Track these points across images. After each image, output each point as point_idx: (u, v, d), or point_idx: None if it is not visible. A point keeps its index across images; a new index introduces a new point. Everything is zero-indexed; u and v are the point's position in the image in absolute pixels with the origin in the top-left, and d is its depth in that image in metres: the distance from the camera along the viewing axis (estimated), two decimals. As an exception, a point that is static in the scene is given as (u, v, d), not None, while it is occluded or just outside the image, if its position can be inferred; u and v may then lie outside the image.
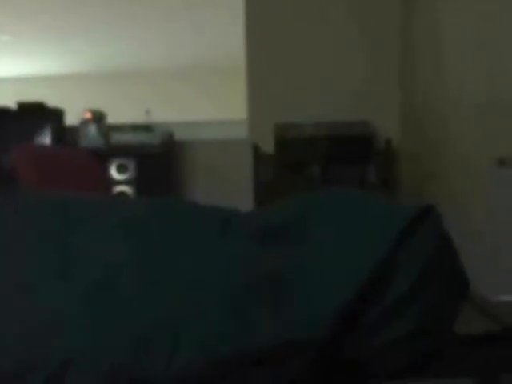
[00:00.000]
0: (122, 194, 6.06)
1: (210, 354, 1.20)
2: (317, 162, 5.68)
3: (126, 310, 1.28)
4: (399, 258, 1.27)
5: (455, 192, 5.77)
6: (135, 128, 6.52)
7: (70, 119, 6.62)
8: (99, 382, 1.21)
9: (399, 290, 1.26)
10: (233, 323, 1.23)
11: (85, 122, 6.49)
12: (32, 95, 6.94)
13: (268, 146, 5.78)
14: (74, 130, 6.49)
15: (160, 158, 6.33)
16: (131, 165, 6.26)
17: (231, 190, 5.89)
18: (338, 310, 1.20)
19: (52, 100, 6.74)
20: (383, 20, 6.01)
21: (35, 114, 6.44)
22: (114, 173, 6.23)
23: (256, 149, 5.82)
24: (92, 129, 6.45)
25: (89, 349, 1.24)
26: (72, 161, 3.05)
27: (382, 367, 1.25)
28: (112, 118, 6.66)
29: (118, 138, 6.42)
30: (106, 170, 6.07)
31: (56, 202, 1.54)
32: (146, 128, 6.56)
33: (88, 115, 6.49)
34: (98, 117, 6.51)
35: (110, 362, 1.23)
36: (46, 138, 6.32)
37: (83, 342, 1.25)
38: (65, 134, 6.48)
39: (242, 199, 5.13)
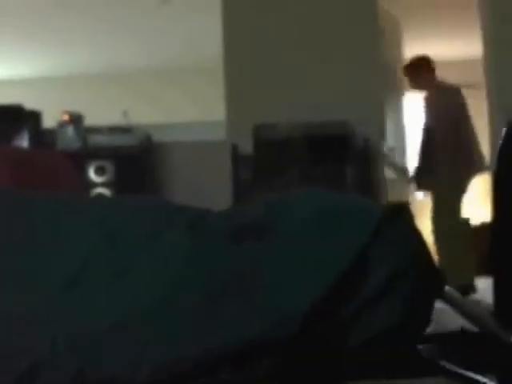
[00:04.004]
0: (99, 196, 6.04)
1: (177, 355, 1.19)
2: (296, 163, 5.68)
3: (92, 309, 1.27)
4: (372, 254, 1.26)
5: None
6: (113, 130, 6.50)
7: (48, 122, 6.58)
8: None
9: (373, 288, 1.26)
10: (199, 322, 1.22)
11: (62, 125, 6.46)
12: (8, 98, 6.90)
13: (247, 147, 5.77)
14: (51, 133, 6.46)
15: (138, 159, 6.31)
16: (109, 167, 6.24)
17: (210, 191, 5.88)
18: (308, 307, 1.20)
19: (29, 103, 6.71)
20: (363, 20, 6.02)
21: (12, 117, 6.41)
22: (92, 175, 6.21)
23: (235, 150, 5.81)
24: (69, 131, 6.42)
25: (57, 350, 1.23)
26: (47, 163, 3.03)
27: (356, 366, 1.24)
28: (89, 120, 6.63)
29: (95, 139, 6.40)
30: (83, 173, 6.04)
31: (26, 201, 1.53)
32: (124, 130, 6.55)
33: (65, 117, 6.47)
34: (76, 119, 6.49)
35: (77, 364, 1.21)
36: (23, 141, 6.28)
37: (51, 342, 1.24)
38: (42, 137, 6.45)
39: (221, 200, 5.12)
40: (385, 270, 1.24)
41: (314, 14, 6.06)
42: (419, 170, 5.87)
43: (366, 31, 6.01)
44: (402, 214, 1.30)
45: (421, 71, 5.97)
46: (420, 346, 1.30)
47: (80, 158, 5.92)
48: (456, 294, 1.37)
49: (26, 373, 1.22)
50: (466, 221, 6.27)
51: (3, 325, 1.29)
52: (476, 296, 5.28)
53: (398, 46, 6.72)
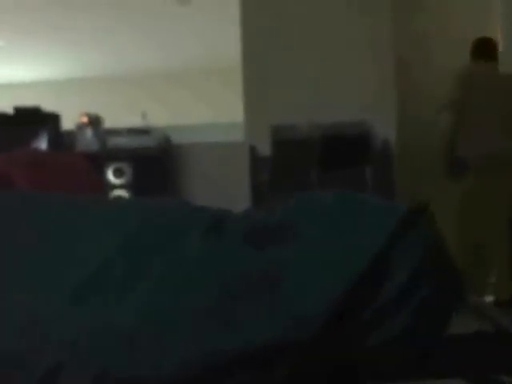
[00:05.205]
0: (118, 198, 6.05)
1: (196, 354, 1.20)
2: (314, 163, 5.67)
3: (113, 309, 1.27)
4: (392, 257, 1.26)
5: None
6: (132, 132, 6.51)
7: (67, 124, 6.61)
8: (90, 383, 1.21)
9: (393, 290, 1.26)
10: (218, 323, 1.22)
11: (81, 127, 6.48)
12: (27, 100, 6.93)
13: (265, 148, 5.77)
14: (70, 135, 6.48)
15: (157, 161, 6.31)
16: (128, 169, 6.24)
17: (228, 192, 5.88)
18: (327, 309, 1.20)
19: (48, 105, 6.74)
20: (379, 20, 6.00)
21: (32, 119, 6.43)
22: (110, 177, 6.22)
23: (253, 151, 5.81)
24: (88, 133, 6.44)
25: (79, 350, 1.24)
26: (67, 165, 3.05)
27: (375, 368, 1.24)
28: (108, 122, 6.65)
29: (114, 141, 6.41)
30: (102, 174, 6.04)
31: (46, 204, 1.54)
32: (143, 131, 6.55)
33: (84, 119, 6.49)
34: (95, 121, 6.50)
35: (100, 364, 1.22)
36: (42, 143, 6.31)
37: (73, 343, 1.25)
38: (61, 139, 6.47)
39: (240, 202, 5.11)
40: (405, 272, 1.24)
41: (332, 15, 6.06)
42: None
43: (386, 31, 5.99)
44: (423, 215, 1.30)
45: (475, 55, 5.62)
46: (439, 347, 1.30)
47: (99, 159, 5.93)
48: (473, 296, 1.37)
49: (48, 373, 1.23)
50: None
51: (24, 327, 1.30)
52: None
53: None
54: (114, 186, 6.18)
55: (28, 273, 1.39)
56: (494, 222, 5.37)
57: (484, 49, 5.61)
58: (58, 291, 1.33)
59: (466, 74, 5.52)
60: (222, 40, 8.67)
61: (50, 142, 6.32)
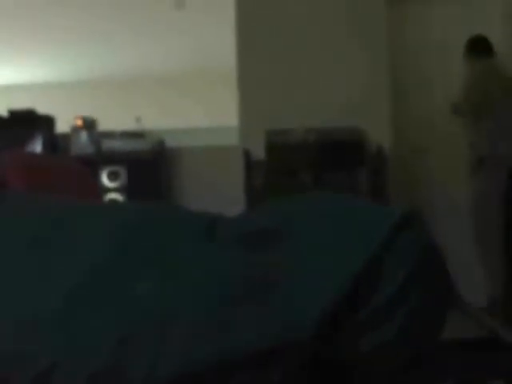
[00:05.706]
0: (113, 201, 6.05)
1: (193, 356, 1.21)
2: (308, 168, 5.68)
3: (110, 310, 1.28)
4: (386, 259, 1.27)
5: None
6: (126, 135, 6.51)
7: (61, 127, 6.60)
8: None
9: (386, 293, 1.27)
10: (216, 325, 1.23)
11: (76, 130, 6.48)
12: (23, 103, 6.92)
13: (259, 152, 5.78)
14: (65, 138, 6.48)
15: (151, 164, 6.31)
16: (122, 172, 6.24)
17: (223, 196, 5.89)
18: (324, 310, 1.21)
19: (43, 107, 6.73)
20: (373, 25, 6.02)
21: (26, 122, 6.42)
22: (105, 180, 6.22)
23: (247, 155, 5.82)
24: (83, 136, 6.44)
25: (74, 350, 1.24)
26: (62, 168, 3.04)
27: (368, 371, 1.25)
28: (103, 126, 6.65)
29: (109, 145, 6.41)
30: (97, 178, 6.05)
31: (42, 207, 1.54)
32: (138, 135, 6.55)
33: (79, 122, 6.49)
34: (89, 124, 6.50)
35: (95, 365, 1.23)
36: (37, 146, 6.30)
37: (68, 343, 1.25)
38: (56, 142, 6.47)
39: (234, 206, 5.11)
40: (399, 274, 1.25)
41: (327, 20, 6.07)
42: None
43: (380, 36, 6.01)
44: (415, 220, 1.31)
45: (471, 54, 5.59)
46: (433, 352, 1.31)
47: (93, 163, 5.93)
48: (470, 303, 1.38)
49: (42, 373, 1.23)
50: None
51: (19, 328, 1.31)
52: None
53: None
54: (109, 190, 6.19)
55: (22, 274, 1.40)
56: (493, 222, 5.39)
57: (480, 47, 5.61)
58: (53, 292, 1.34)
59: (473, 73, 5.52)
60: (217, 44, 8.68)
61: (45, 145, 6.31)
